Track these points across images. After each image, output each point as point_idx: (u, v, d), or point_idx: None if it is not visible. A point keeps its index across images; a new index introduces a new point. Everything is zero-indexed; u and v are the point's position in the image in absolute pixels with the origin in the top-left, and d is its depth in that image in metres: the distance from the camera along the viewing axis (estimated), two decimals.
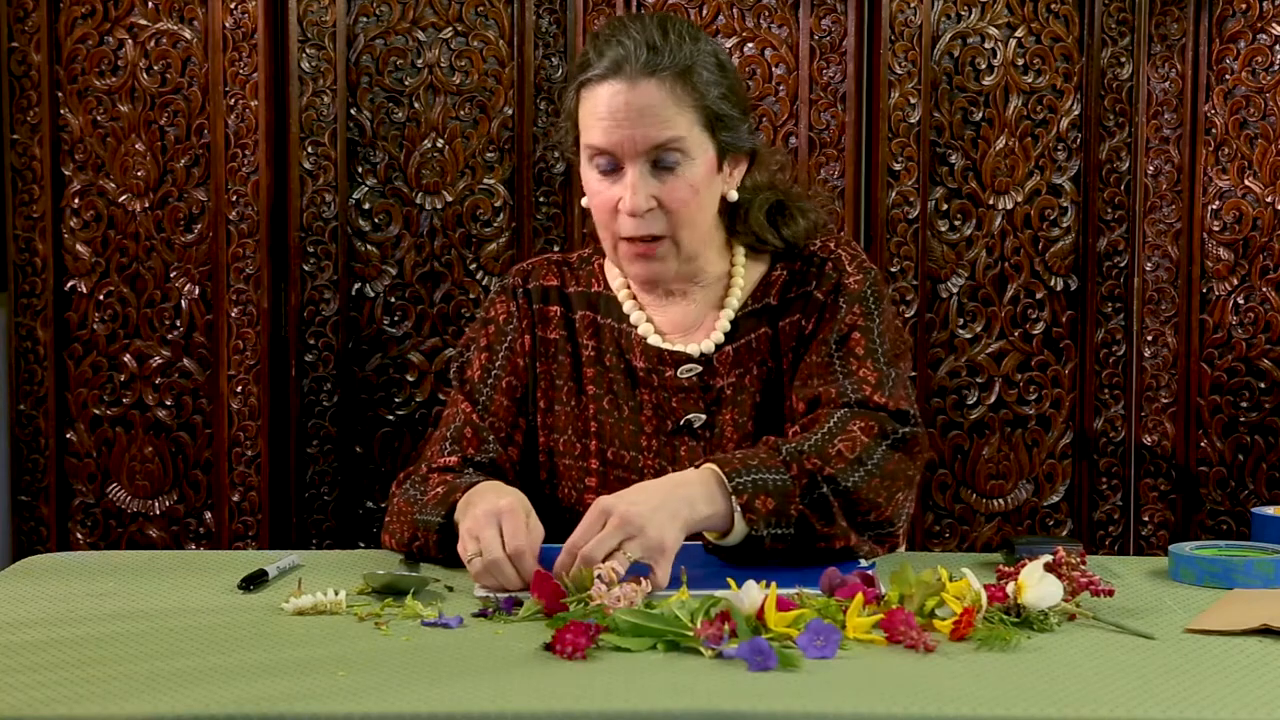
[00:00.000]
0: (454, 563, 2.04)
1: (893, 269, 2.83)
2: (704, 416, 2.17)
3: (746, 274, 2.22)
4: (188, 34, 2.84)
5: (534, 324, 2.24)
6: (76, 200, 2.88)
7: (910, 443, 2.08)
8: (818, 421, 2.06)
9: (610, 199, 2.12)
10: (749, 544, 1.97)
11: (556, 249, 2.85)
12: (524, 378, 2.22)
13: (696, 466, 2.02)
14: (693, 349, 2.18)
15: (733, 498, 1.96)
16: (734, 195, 2.20)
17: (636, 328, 2.20)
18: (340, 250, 2.85)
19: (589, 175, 2.14)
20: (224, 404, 2.84)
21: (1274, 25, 2.84)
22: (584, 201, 2.21)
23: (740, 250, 2.23)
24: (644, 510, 1.88)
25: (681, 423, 2.17)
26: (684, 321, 2.21)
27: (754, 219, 2.22)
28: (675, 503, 1.92)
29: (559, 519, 2.12)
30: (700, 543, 2.01)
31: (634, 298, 2.23)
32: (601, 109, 2.10)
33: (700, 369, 2.17)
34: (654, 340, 2.19)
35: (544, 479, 2.21)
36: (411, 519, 2.11)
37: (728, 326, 2.19)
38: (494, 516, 1.95)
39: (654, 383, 2.18)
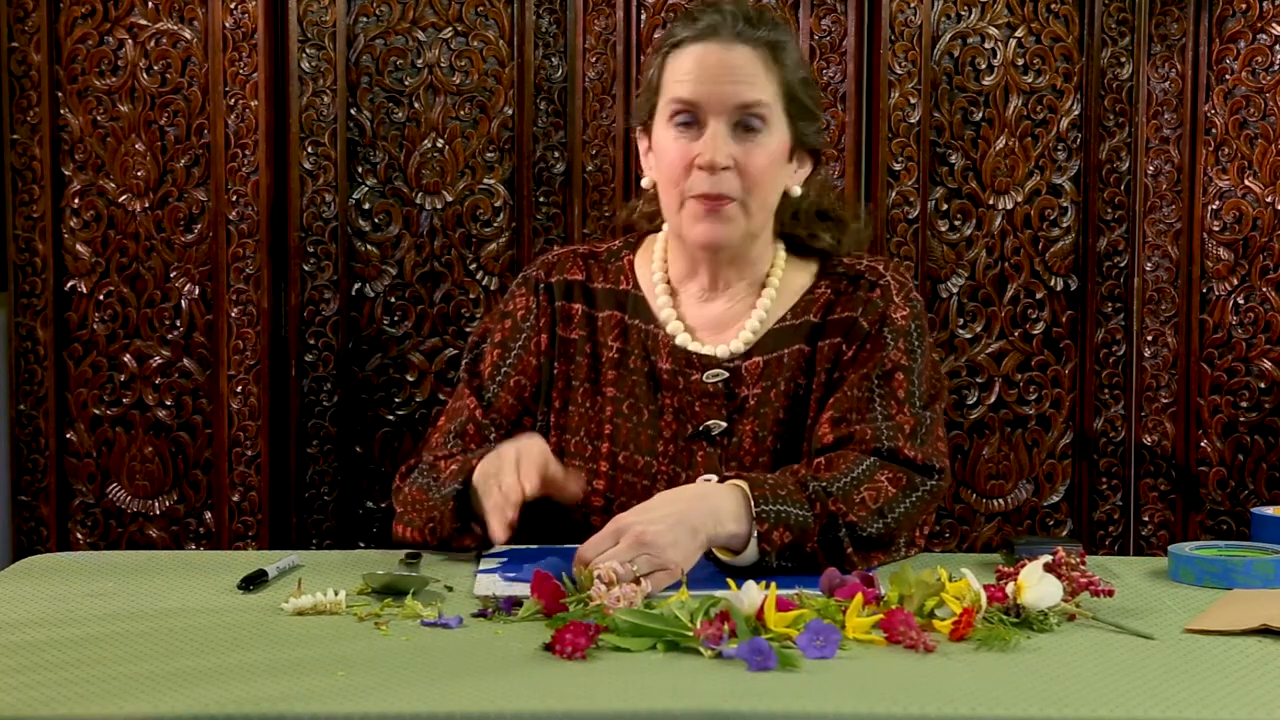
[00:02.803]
0: (471, 535, 2.06)
1: None
2: (724, 424, 2.15)
3: (788, 280, 2.21)
4: (188, 34, 2.84)
5: (554, 322, 2.22)
6: (76, 200, 2.88)
7: (932, 495, 2.08)
8: (844, 460, 2.05)
9: (686, 153, 2.12)
10: (753, 564, 1.97)
11: (556, 248, 2.84)
12: (535, 377, 2.21)
13: (722, 480, 2.01)
14: (721, 350, 2.17)
15: (754, 523, 1.95)
16: (797, 190, 2.21)
17: (665, 327, 2.19)
18: (340, 250, 2.84)
19: (665, 135, 2.14)
20: (224, 404, 2.84)
21: (1274, 25, 2.84)
22: (644, 181, 2.22)
23: (781, 250, 2.23)
24: (661, 529, 1.86)
25: (700, 428, 2.16)
26: (719, 319, 2.19)
27: (805, 215, 2.23)
28: (699, 516, 1.91)
29: (563, 518, 2.12)
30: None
31: (670, 293, 2.21)
32: (691, 65, 2.13)
33: (727, 375, 2.16)
34: (682, 339, 2.18)
35: None
36: (427, 502, 2.12)
37: (758, 326, 2.17)
38: (512, 444, 2.00)
39: (678, 385, 2.16)
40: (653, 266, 2.23)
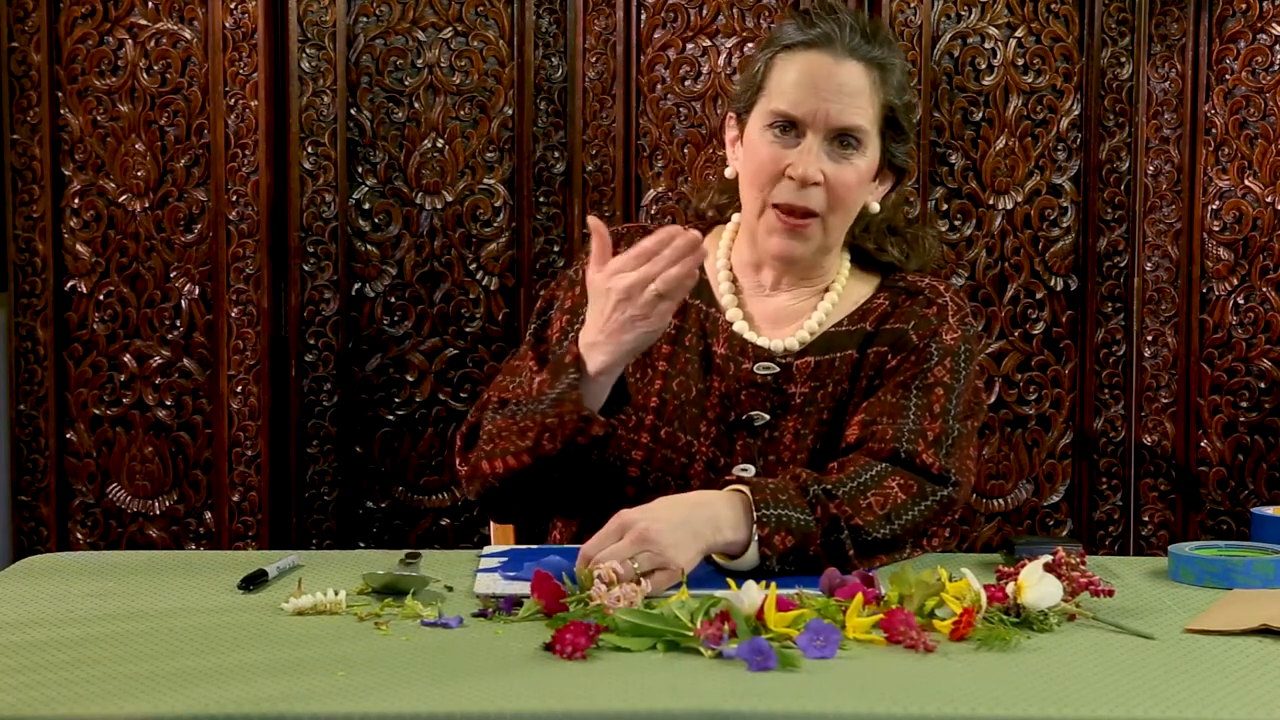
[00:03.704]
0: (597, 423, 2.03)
1: None
2: (767, 417, 2.17)
3: (850, 289, 2.22)
4: (188, 34, 2.84)
5: None
6: (76, 200, 2.88)
7: (943, 505, 2.07)
8: (854, 464, 2.05)
9: (778, 159, 2.12)
10: (754, 568, 1.97)
11: (556, 249, 2.85)
12: None
13: (721, 487, 2.02)
14: (777, 344, 2.18)
15: (755, 527, 1.95)
16: (876, 207, 2.21)
17: (725, 313, 2.20)
18: (340, 250, 2.85)
19: (760, 137, 2.15)
20: (224, 404, 2.84)
21: (1274, 25, 2.84)
22: (728, 171, 2.22)
23: (846, 261, 2.25)
24: (664, 528, 1.87)
25: (744, 417, 2.17)
26: (778, 314, 2.21)
27: (875, 229, 2.24)
28: (699, 523, 1.92)
29: (598, 480, 2.14)
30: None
31: (733, 281, 2.23)
32: (799, 75, 2.13)
33: (777, 370, 2.17)
34: (740, 327, 2.19)
35: None
36: (527, 416, 2.06)
37: (815, 327, 2.19)
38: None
39: (729, 371, 2.18)
40: (718, 253, 2.24)
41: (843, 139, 2.13)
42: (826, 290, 2.22)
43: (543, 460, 2.08)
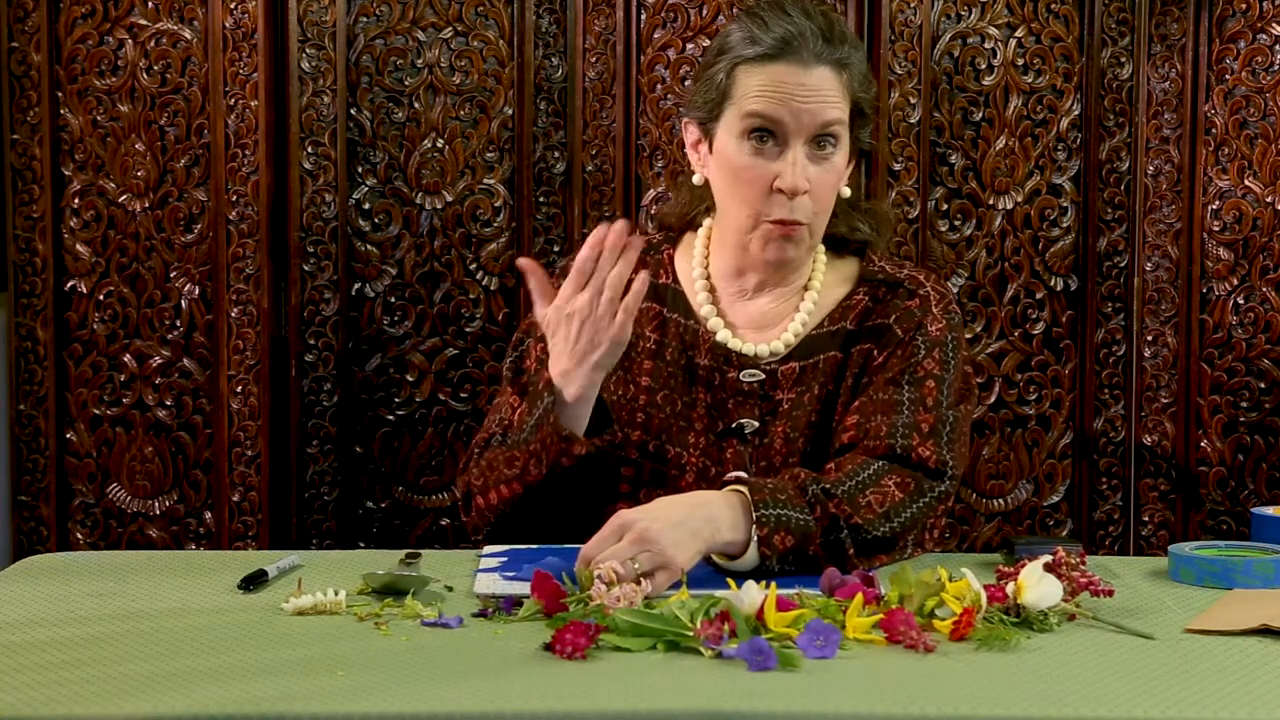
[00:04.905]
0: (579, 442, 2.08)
1: None
2: (757, 424, 2.17)
3: (829, 284, 2.23)
4: (188, 34, 2.84)
5: None
6: (76, 200, 2.88)
7: (939, 499, 2.08)
8: (851, 462, 2.06)
9: (766, 175, 2.12)
10: (754, 568, 1.97)
11: (556, 249, 2.85)
12: None
13: (720, 487, 2.02)
14: (762, 349, 2.19)
15: (754, 527, 1.95)
16: (847, 192, 2.23)
17: (706, 323, 2.20)
18: (340, 250, 2.85)
19: (739, 148, 2.14)
20: (224, 404, 2.84)
21: (1274, 25, 2.84)
22: (695, 178, 2.22)
23: (822, 253, 2.25)
24: (664, 527, 1.87)
25: (733, 426, 2.17)
26: (759, 318, 2.21)
27: (841, 211, 2.24)
28: (698, 522, 1.92)
29: (586, 502, 2.14)
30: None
31: (710, 290, 2.23)
32: (771, 83, 2.12)
33: (763, 377, 2.17)
34: (722, 336, 2.19)
35: None
36: (514, 447, 2.11)
37: (800, 329, 2.19)
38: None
39: (714, 381, 2.18)
40: (693, 263, 2.24)
41: (820, 140, 2.13)
42: (805, 289, 2.22)
43: (532, 488, 2.11)
